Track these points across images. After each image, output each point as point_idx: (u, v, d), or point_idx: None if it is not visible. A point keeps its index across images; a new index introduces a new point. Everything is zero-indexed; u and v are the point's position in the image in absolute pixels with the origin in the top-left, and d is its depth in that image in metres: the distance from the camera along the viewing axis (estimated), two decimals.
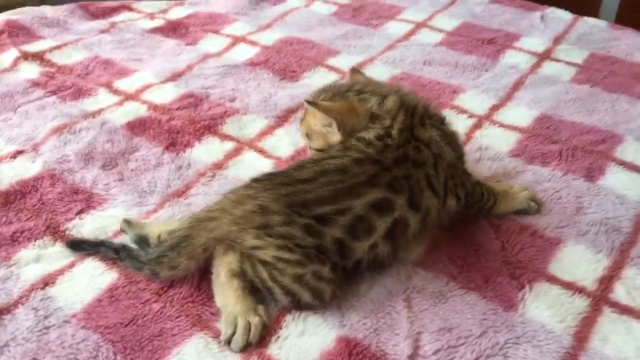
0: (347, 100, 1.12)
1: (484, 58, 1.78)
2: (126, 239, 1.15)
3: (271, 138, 1.46)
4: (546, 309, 1.02)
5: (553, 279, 1.08)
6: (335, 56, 1.81)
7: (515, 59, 1.78)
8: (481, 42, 1.87)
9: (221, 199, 1.03)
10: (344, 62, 1.77)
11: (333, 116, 1.08)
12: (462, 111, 1.54)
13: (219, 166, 1.36)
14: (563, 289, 1.06)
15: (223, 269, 1.00)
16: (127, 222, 1.14)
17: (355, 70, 1.28)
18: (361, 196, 0.98)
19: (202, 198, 1.26)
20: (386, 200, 1.00)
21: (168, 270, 1.02)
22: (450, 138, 1.13)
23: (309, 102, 1.10)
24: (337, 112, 1.08)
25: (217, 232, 0.98)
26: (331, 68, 1.75)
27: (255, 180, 1.05)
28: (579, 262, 1.11)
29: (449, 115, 1.47)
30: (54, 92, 1.62)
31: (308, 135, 1.16)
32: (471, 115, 1.53)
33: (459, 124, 1.45)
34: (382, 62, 1.77)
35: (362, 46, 1.86)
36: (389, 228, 0.99)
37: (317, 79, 1.68)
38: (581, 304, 1.03)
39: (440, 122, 1.15)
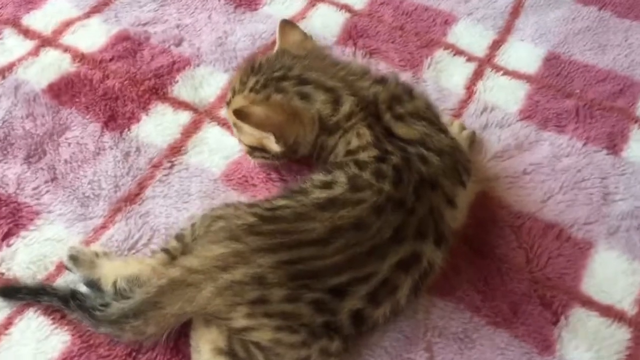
0: (285, 93, 0.90)
1: None
2: (73, 277, 0.91)
3: None
4: (586, 350, 0.88)
5: (589, 303, 0.94)
6: None
7: None
8: None
9: (200, 250, 0.80)
10: None
11: (269, 131, 0.89)
12: (459, 52, 1.30)
13: (176, 150, 1.10)
14: (601, 316, 0.92)
15: (206, 345, 0.80)
16: (74, 259, 0.90)
17: (288, 27, 1.03)
18: (386, 258, 0.78)
19: (162, 203, 1.02)
20: (414, 254, 0.80)
21: (132, 335, 0.82)
22: (429, 113, 0.94)
23: (235, 112, 0.89)
24: (273, 126, 0.88)
25: (196, 303, 0.77)
26: None
27: (241, 212, 0.82)
28: (614, 275, 0.97)
29: (444, 60, 1.24)
30: None
31: (237, 127, 0.96)
32: (470, 58, 1.29)
33: (456, 72, 1.23)
34: None
35: None
36: (416, 281, 0.81)
37: (280, 7, 1.37)
38: (622, 336, 0.91)
39: (410, 98, 0.94)
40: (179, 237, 0.89)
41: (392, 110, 0.90)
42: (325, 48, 1.03)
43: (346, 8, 1.37)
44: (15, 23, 1.30)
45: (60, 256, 0.94)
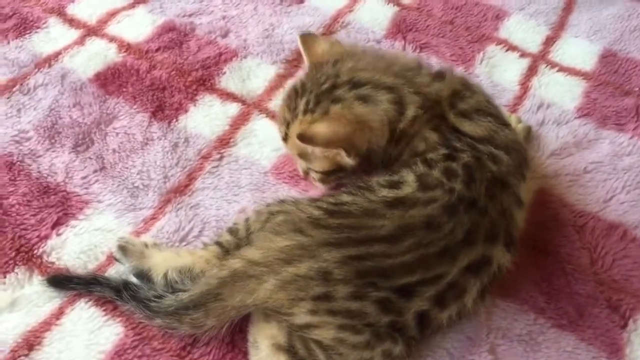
0: (342, 102, 0.82)
1: None
2: (125, 268, 0.89)
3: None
4: None
5: None
6: None
7: None
8: None
9: (262, 241, 0.77)
10: None
11: (339, 146, 0.81)
12: (512, 47, 1.26)
13: (225, 142, 1.07)
14: None
15: (265, 340, 0.77)
16: (123, 249, 0.88)
17: (310, 39, 0.93)
18: (457, 260, 0.74)
19: (212, 195, 0.99)
20: (485, 257, 0.76)
21: (189, 328, 0.79)
22: (492, 107, 0.88)
23: (299, 137, 0.81)
24: (343, 139, 0.80)
25: (257, 296, 0.74)
26: None
27: (303, 206, 0.78)
28: None
29: (496, 55, 1.20)
30: None
31: (302, 156, 0.89)
32: (523, 54, 1.25)
33: (510, 68, 1.19)
34: None
35: None
36: (484, 284, 0.77)
37: (326, 0, 1.34)
38: None
39: (471, 92, 0.87)
40: (233, 231, 0.87)
41: (455, 107, 0.85)
42: (356, 45, 0.95)
43: (394, 1, 1.35)
44: (60, 12, 1.28)
45: (111, 247, 0.91)
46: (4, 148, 1.03)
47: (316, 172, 0.89)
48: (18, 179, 0.99)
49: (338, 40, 0.96)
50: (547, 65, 1.22)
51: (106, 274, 0.89)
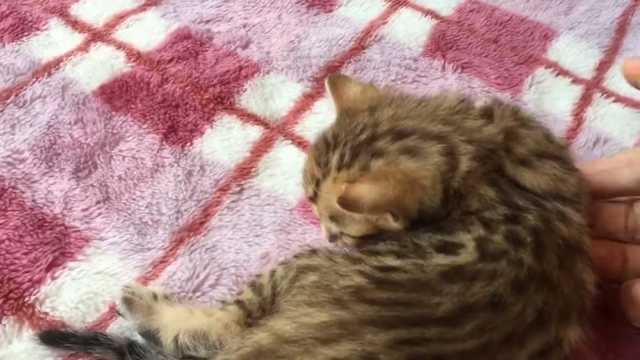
0: (386, 156, 0.69)
1: None
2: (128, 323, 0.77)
3: (311, 117, 1.03)
4: None
5: None
6: None
7: None
8: None
9: (294, 311, 0.65)
10: None
11: (386, 210, 0.68)
12: (562, 72, 1.14)
13: (245, 172, 0.95)
14: None
15: None
16: (128, 303, 0.76)
17: (339, 81, 0.81)
18: (525, 345, 0.62)
19: (230, 235, 0.87)
20: (557, 340, 0.64)
21: None
22: (553, 147, 0.75)
23: (341, 203, 0.67)
24: (391, 202, 0.66)
25: None
26: None
27: (341, 268, 0.66)
28: None
29: (546, 80, 1.08)
30: None
31: (334, 219, 0.75)
32: (575, 80, 1.13)
33: (561, 96, 1.08)
34: None
35: None
36: None
37: (358, 9, 1.22)
38: None
39: (526, 128, 0.74)
40: (256, 288, 0.74)
41: (512, 153, 0.71)
42: (392, 89, 0.82)
43: (432, 14, 1.22)
44: (62, 12, 1.16)
45: (114, 296, 0.79)
46: None
47: (351, 237, 0.76)
48: (9, 208, 0.87)
49: (372, 84, 0.84)
50: (602, 94, 1.10)
51: (108, 330, 0.77)
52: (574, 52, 1.18)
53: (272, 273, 0.75)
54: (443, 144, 0.69)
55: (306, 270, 0.70)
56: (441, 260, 0.64)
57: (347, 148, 0.71)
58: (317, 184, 0.74)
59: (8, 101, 0.99)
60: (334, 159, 0.72)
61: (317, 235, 0.87)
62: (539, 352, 0.62)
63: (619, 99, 1.10)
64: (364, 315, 0.61)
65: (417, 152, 0.69)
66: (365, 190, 0.66)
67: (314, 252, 0.73)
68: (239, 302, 0.74)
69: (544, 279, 0.64)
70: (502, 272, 0.62)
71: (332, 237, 0.79)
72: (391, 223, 0.70)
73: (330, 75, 0.83)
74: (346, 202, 0.66)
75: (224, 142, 0.98)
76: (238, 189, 0.92)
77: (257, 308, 0.72)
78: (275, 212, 0.90)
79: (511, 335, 0.61)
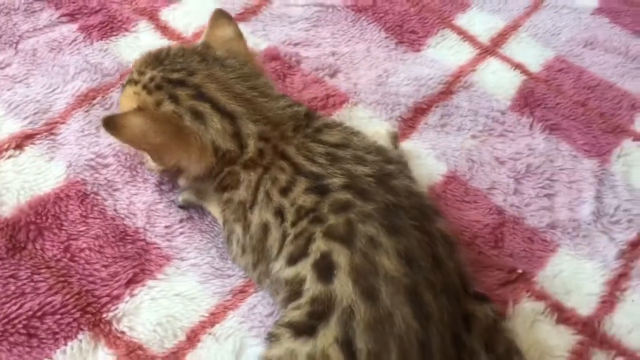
0: (177, 105, 0.74)
1: None
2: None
3: None
4: None
5: None
6: (465, 11, 1.30)
7: None
8: None
9: None
10: (477, 21, 1.27)
11: (143, 149, 0.79)
12: None
13: None
14: None
15: None
16: None
17: (221, 18, 0.87)
18: None
19: None
20: None
21: None
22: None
23: (104, 122, 0.74)
24: (150, 144, 0.75)
25: None
26: (460, 32, 1.25)
27: None
28: None
29: (632, 153, 1.06)
30: (71, 16, 1.09)
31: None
32: None
33: None
34: (530, 35, 1.28)
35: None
36: None
37: (446, 52, 1.20)
38: None
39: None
40: None
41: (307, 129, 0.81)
42: (254, 55, 0.87)
43: (521, 68, 1.20)
44: (152, 16, 1.14)
45: (192, 321, 0.76)
46: (77, 173, 0.88)
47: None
48: (91, 216, 0.84)
49: (245, 40, 0.87)
50: None
51: None
52: None
53: None
54: (228, 122, 0.74)
55: None
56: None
57: (159, 75, 0.76)
58: (127, 83, 0.79)
59: (94, 102, 0.97)
60: (146, 77, 0.76)
61: None
62: None
63: None
64: None
65: (202, 119, 0.74)
66: (135, 124, 0.72)
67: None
68: None
69: None
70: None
71: None
72: (150, 163, 0.79)
73: (217, 9, 0.88)
74: (109, 124, 0.72)
75: None
76: None
77: None
78: None
79: None
